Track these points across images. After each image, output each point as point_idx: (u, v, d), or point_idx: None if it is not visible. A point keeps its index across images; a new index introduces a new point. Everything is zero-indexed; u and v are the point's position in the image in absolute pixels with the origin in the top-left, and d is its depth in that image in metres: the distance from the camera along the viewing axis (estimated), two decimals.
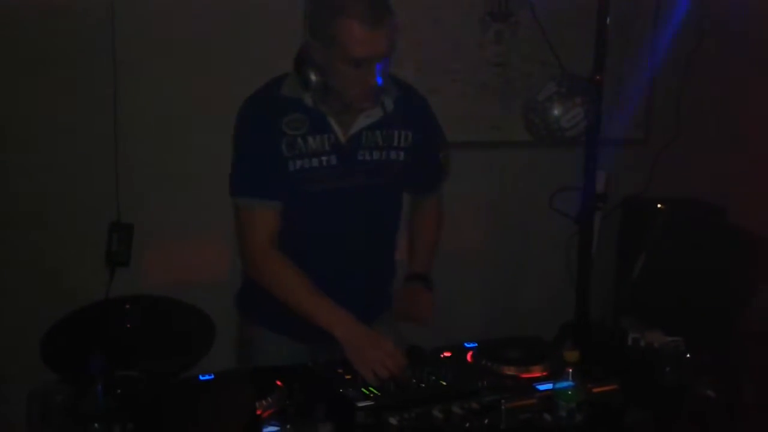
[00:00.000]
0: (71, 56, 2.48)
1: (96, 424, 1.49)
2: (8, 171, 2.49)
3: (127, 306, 2.31)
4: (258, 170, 1.90)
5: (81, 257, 2.58)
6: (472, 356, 1.87)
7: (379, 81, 1.82)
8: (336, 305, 1.86)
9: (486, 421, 1.64)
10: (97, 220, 2.57)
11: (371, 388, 1.68)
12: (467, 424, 1.62)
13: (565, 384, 1.66)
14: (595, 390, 1.74)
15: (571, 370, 1.67)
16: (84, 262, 2.58)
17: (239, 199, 1.93)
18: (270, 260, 1.91)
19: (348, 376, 1.74)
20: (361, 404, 1.60)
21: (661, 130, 3.20)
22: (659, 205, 3.06)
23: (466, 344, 1.95)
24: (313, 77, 1.83)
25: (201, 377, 1.77)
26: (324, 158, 1.90)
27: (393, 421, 1.58)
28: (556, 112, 2.69)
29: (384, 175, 1.97)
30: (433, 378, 1.74)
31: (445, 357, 1.88)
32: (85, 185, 2.56)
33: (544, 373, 1.79)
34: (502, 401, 1.66)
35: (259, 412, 1.58)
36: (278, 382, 1.71)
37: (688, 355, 1.94)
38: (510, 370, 1.80)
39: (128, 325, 2.22)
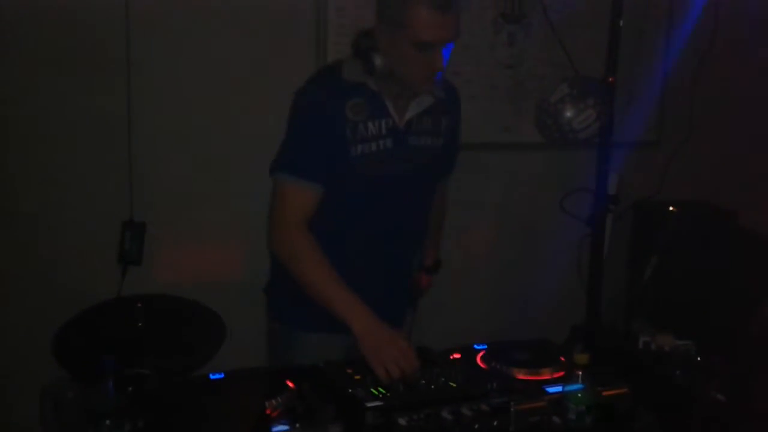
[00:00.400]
0: (86, 56, 2.50)
1: (107, 421, 1.50)
2: (22, 169, 2.51)
3: (139, 305, 2.32)
4: (311, 152, 1.91)
5: (93, 256, 2.59)
6: (482, 358, 1.87)
7: (444, 66, 1.87)
8: (357, 298, 1.86)
9: (495, 423, 1.64)
10: (110, 218, 2.58)
11: (380, 389, 1.68)
12: (476, 426, 1.62)
13: (574, 387, 1.66)
14: (605, 393, 1.74)
15: (581, 373, 1.66)
16: (96, 261, 2.59)
17: (283, 175, 1.92)
18: (299, 238, 1.91)
19: (358, 377, 1.74)
20: (370, 405, 1.61)
21: (673, 133, 3.18)
22: (671, 208, 3.04)
23: (475, 346, 1.95)
24: (378, 61, 1.87)
25: (211, 376, 1.78)
26: (381, 142, 1.95)
27: (402, 421, 1.58)
28: (568, 113, 2.68)
29: (429, 160, 2.04)
30: (443, 379, 1.74)
31: (454, 358, 1.88)
32: (98, 184, 2.57)
33: (554, 376, 1.79)
34: (512, 403, 1.66)
35: (268, 412, 1.59)
36: (288, 382, 1.72)
37: (698, 359, 1.93)
38: (520, 373, 1.80)
39: (140, 324, 2.22)
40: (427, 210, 2.16)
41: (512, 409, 1.66)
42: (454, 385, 1.73)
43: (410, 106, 1.97)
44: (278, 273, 2.08)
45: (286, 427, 1.54)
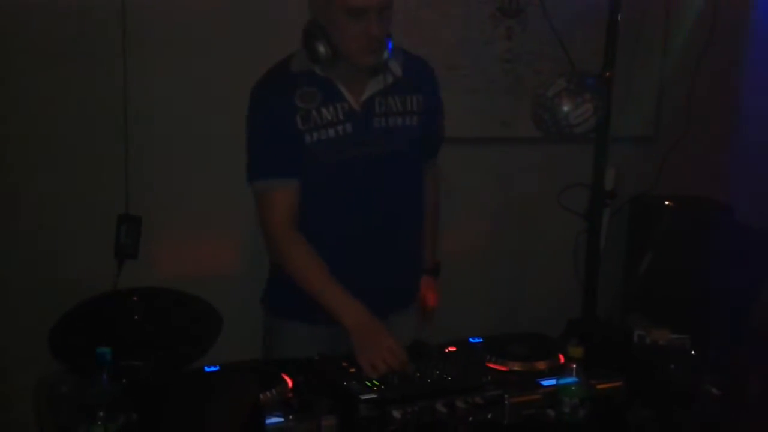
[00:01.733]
0: (82, 51, 2.49)
1: (101, 413, 1.50)
2: (18, 163, 2.51)
3: (135, 298, 2.32)
4: (273, 149, 1.91)
5: (89, 249, 2.59)
6: (477, 351, 1.88)
7: (379, 33, 1.82)
8: (348, 294, 1.88)
9: (489, 415, 1.65)
10: (106, 212, 2.58)
11: (375, 381, 1.68)
12: (470, 419, 1.63)
13: (569, 380, 1.66)
14: (599, 386, 1.75)
15: (575, 366, 1.67)
16: (92, 255, 2.59)
17: (257, 183, 1.94)
18: (289, 242, 1.93)
19: (352, 370, 1.75)
20: (364, 397, 1.61)
21: (670, 128, 3.18)
22: (667, 203, 3.05)
23: (471, 340, 1.95)
24: (321, 48, 1.84)
25: (206, 369, 1.78)
26: (339, 127, 1.90)
27: (396, 414, 1.58)
28: (565, 108, 2.68)
29: (401, 141, 1.97)
30: (437, 372, 1.75)
31: (449, 352, 1.89)
32: (94, 177, 2.57)
33: (548, 369, 1.79)
34: (506, 396, 1.66)
35: (263, 404, 1.59)
36: (283, 375, 1.72)
37: (693, 353, 1.93)
38: (514, 366, 1.80)
39: (136, 317, 2.22)
40: (414, 194, 2.08)
41: (506, 402, 1.66)
42: (449, 378, 1.73)
43: (367, 87, 1.91)
44: (275, 268, 2.10)
45: (280, 420, 1.54)
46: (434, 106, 2.09)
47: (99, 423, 1.50)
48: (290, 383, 1.70)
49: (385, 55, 1.89)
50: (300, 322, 2.01)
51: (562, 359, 1.83)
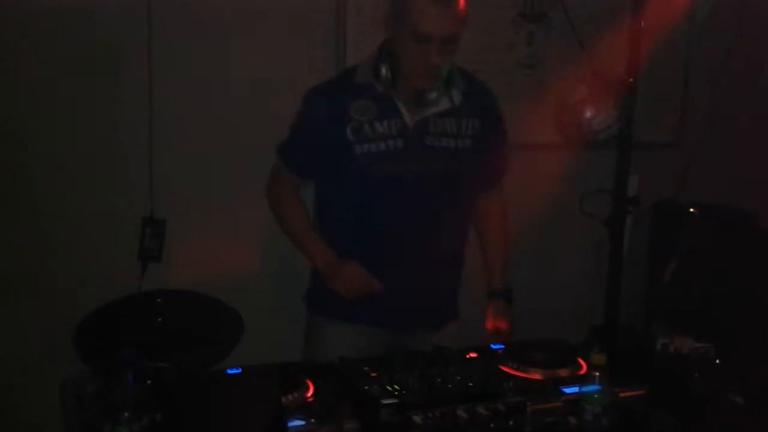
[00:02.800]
0: (109, 54, 2.52)
1: (126, 414, 1.52)
2: (42, 166, 2.54)
3: (159, 300, 2.35)
4: (300, 146, 2.08)
5: (114, 252, 2.62)
6: (499, 358, 1.87)
7: (438, 62, 1.89)
8: (322, 241, 2.06)
9: (511, 422, 1.64)
10: (131, 215, 2.60)
11: (396, 386, 1.69)
12: (492, 425, 1.62)
13: (591, 388, 1.65)
14: (622, 395, 1.73)
15: (598, 374, 1.66)
16: (117, 257, 2.62)
17: (281, 162, 2.14)
18: (284, 189, 2.14)
19: (374, 374, 1.75)
20: (385, 402, 1.61)
21: (694, 134, 3.16)
22: (691, 210, 3.02)
23: (492, 346, 1.95)
24: (383, 69, 1.94)
25: (229, 371, 1.79)
26: (390, 142, 1.97)
27: (417, 419, 1.58)
28: (588, 114, 2.67)
29: (451, 162, 2.02)
30: (459, 378, 1.74)
31: (471, 358, 1.88)
32: (118, 180, 2.60)
33: (571, 376, 1.78)
34: (528, 403, 1.66)
35: (284, 407, 1.60)
36: (304, 378, 1.73)
37: (717, 361, 1.91)
38: (536, 373, 1.80)
39: (159, 319, 2.25)
40: (457, 215, 2.11)
41: (528, 409, 1.65)
42: (471, 384, 1.72)
43: (424, 108, 1.97)
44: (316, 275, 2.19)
45: (302, 423, 1.55)
46: (495, 134, 2.13)
47: (124, 423, 1.52)
48: (312, 387, 1.70)
49: (443, 80, 1.96)
50: (339, 320, 2.07)
51: (584, 366, 1.82)
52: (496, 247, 2.24)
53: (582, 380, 1.71)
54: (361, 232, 2.03)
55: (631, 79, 2.70)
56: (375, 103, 1.96)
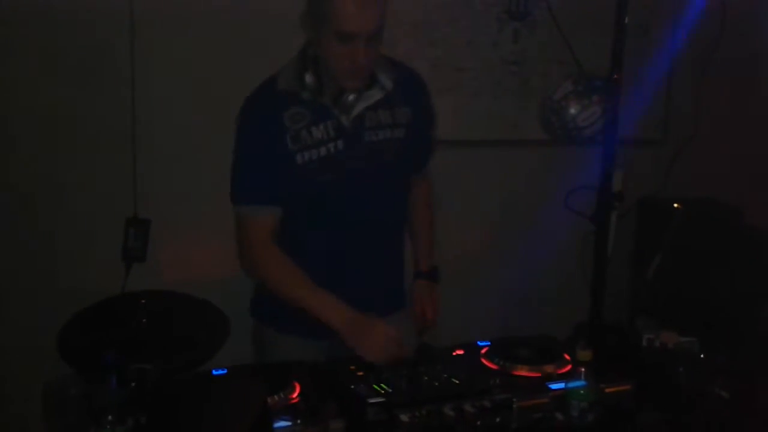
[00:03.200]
0: (90, 54, 2.50)
1: (109, 417, 1.50)
2: (26, 166, 2.52)
3: (143, 301, 2.32)
4: (259, 175, 1.92)
5: (98, 252, 2.60)
6: (485, 354, 1.87)
7: (365, 60, 1.84)
8: (331, 295, 1.88)
9: (498, 419, 1.64)
10: (114, 215, 2.59)
11: (383, 385, 1.68)
12: (478, 422, 1.62)
13: (577, 383, 1.65)
14: (608, 390, 1.74)
15: (584, 370, 1.66)
16: (100, 257, 2.60)
17: (239, 207, 1.96)
18: (268, 258, 1.94)
19: (360, 373, 1.74)
20: (372, 401, 1.60)
21: (678, 130, 3.18)
22: (676, 205, 3.04)
23: (479, 342, 1.95)
24: (307, 77, 1.88)
25: (214, 372, 1.78)
26: (330, 145, 1.91)
27: (404, 418, 1.58)
28: (572, 110, 2.68)
29: (390, 154, 1.99)
30: (445, 376, 1.74)
31: (457, 355, 1.88)
32: (102, 180, 2.58)
33: (557, 372, 1.78)
34: (514, 400, 1.66)
35: (270, 408, 1.59)
36: (290, 378, 1.72)
37: (702, 356, 1.92)
38: (523, 369, 1.80)
39: (143, 320, 2.23)
40: (399, 204, 2.10)
41: (515, 406, 1.65)
42: (457, 381, 1.72)
43: (356, 103, 1.92)
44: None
45: (288, 423, 1.54)
46: (424, 118, 2.09)
47: (107, 426, 1.50)
48: (298, 387, 1.69)
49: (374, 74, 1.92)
50: (290, 335, 2.00)
51: (570, 362, 1.82)
52: (426, 228, 2.20)
53: (568, 376, 1.71)
54: (306, 236, 1.98)
55: (615, 76, 2.71)
56: (306, 109, 1.91)
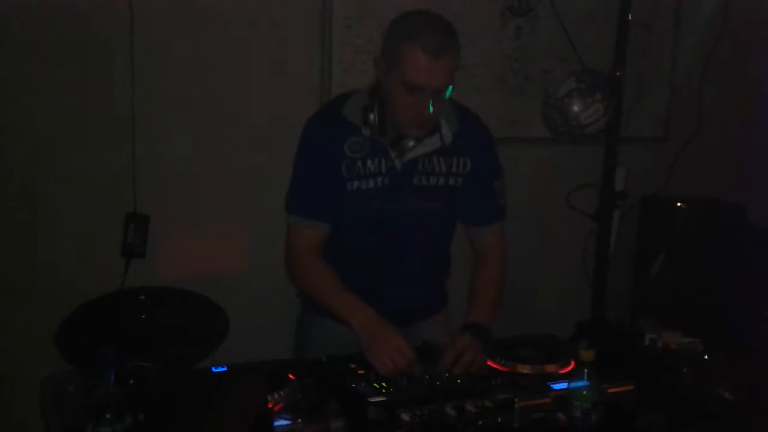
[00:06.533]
0: (88, 49, 2.48)
1: (108, 414, 1.49)
2: (25, 162, 2.50)
3: (142, 297, 2.31)
4: (314, 192, 1.99)
5: (97, 248, 2.58)
6: (488, 354, 1.86)
7: (432, 112, 1.85)
8: (357, 299, 1.93)
9: (499, 419, 1.63)
10: (114, 211, 2.57)
11: (383, 384, 1.67)
12: (480, 422, 1.61)
13: (580, 383, 1.64)
14: (611, 390, 1.73)
15: (586, 370, 1.65)
16: (100, 253, 2.58)
17: (292, 216, 2.03)
18: (307, 267, 2.03)
19: (361, 372, 1.73)
20: (373, 400, 1.59)
21: (681, 128, 3.16)
22: (679, 204, 3.02)
23: None
24: (371, 118, 1.91)
25: (214, 369, 1.77)
26: (379, 179, 1.97)
27: (405, 417, 1.57)
28: (575, 108, 2.67)
29: (440, 201, 2.03)
30: (447, 375, 1.73)
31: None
32: (101, 176, 2.56)
33: (559, 372, 1.77)
34: (516, 400, 1.65)
35: (270, 406, 1.58)
36: (291, 376, 1.71)
37: (705, 356, 1.91)
38: (525, 369, 1.79)
39: (143, 316, 2.21)
40: (442, 244, 2.15)
41: (516, 406, 1.65)
42: (458, 380, 1.71)
43: (413, 149, 1.94)
44: None
45: (288, 422, 1.53)
46: (486, 170, 2.08)
47: (106, 424, 1.49)
48: (298, 385, 1.68)
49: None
50: (331, 318, 2.02)
51: (572, 362, 1.81)
52: (483, 289, 2.08)
53: (570, 376, 1.70)
54: (360, 250, 2.04)
55: (618, 73, 2.70)
56: (366, 141, 1.95)
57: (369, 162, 1.95)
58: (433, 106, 1.84)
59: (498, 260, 2.13)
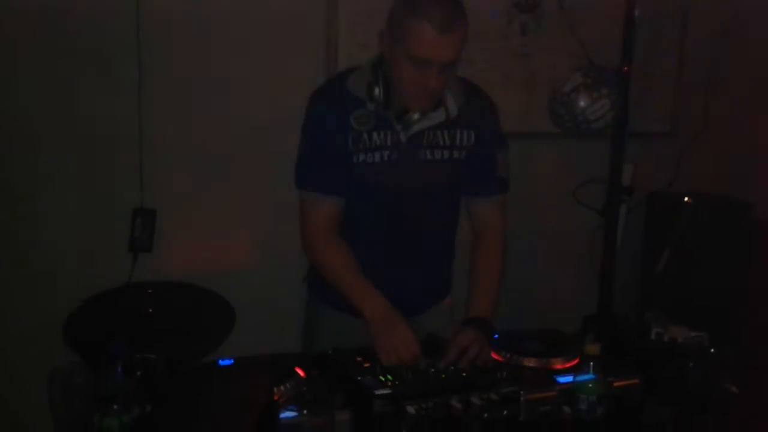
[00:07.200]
0: (96, 43, 2.50)
1: (115, 406, 1.50)
2: (34, 156, 2.52)
3: (149, 291, 2.33)
4: (323, 166, 1.96)
5: (105, 242, 2.60)
6: (493, 347, 1.86)
7: (437, 86, 1.84)
8: (371, 287, 1.92)
9: (505, 412, 1.63)
10: (121, 205, 2.58)
11: (389, 376, 1.67)
12: (486, 415, 1.61)
13: (586, 377, 1.64)
14: (616, 384, 1.72)
15: (592, 363, 1.65)
16: (107, 248, 2.60)
17: (304, 192, 2.00)
18: (322, 244, 1.99)
19: (367, 364, 1.74)
20: (379, 392, 1.59)
21: (688, 123, 3.15)
22: (686, 199, 3.02)
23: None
24: (376, 92, 1.89)
25: (220, 362, 1.78)
26: (385, 152, 1.94)
27: (411, 409, 1.57)
28: (582, 103, 2.66)
29: (445, 175, 2.00)
30: (452, 368, 1.73)
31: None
32: (109, 171, 2.58)
33: (565, 366, 1.77)
34: (522, 393, 1.65)
35: (276, 398, 1.58)
36: (297, 369, 1.71)
37: (712, 350, 1.91)
38: (530, 362, 1.79)
39: (150, 310, 2.23)
40: (448, 222, 2.12)
41: (522, 399, 1.64)
42: (464, 373, 1.71)
43: (418, 122, 1.93)
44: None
45: (294, 414, 1.53)
46: (489, 141, 2.05)
47: (113, 415, 1.50)
48: (304, 378, 1.69)
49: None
50: (344, 312, 2.02)
51: (578, 356, 1.81)
52: (483, 276, 2.07)
53: (576, 370, 1.70)
54: (360, 235, 2.01)
55: (625, 68, 2.69)
56: (372, 113, 1.93)
57: (375, 135, 1.92)
58: (438, 80, 1.82)
59: (498, 241, 2.09)
